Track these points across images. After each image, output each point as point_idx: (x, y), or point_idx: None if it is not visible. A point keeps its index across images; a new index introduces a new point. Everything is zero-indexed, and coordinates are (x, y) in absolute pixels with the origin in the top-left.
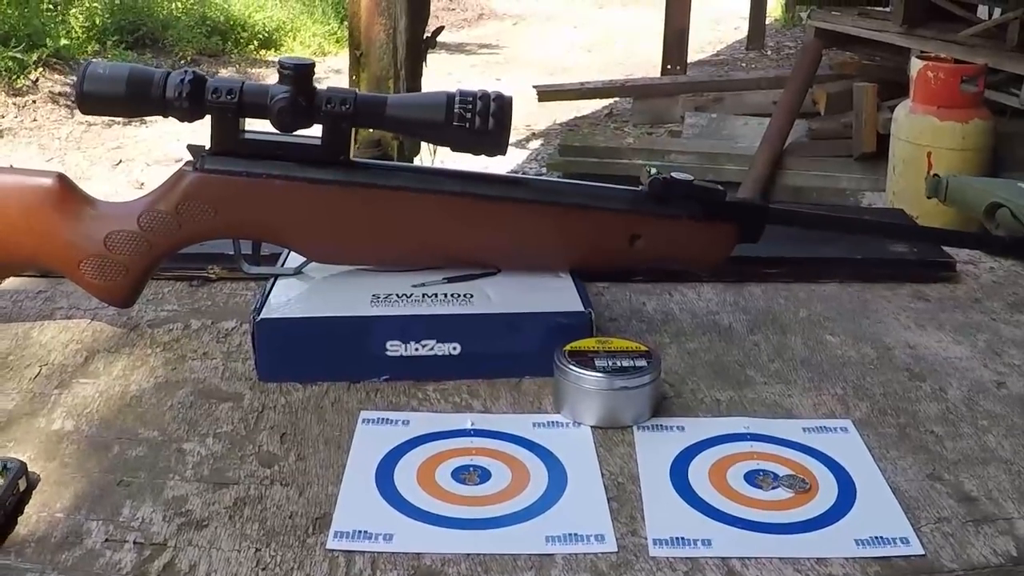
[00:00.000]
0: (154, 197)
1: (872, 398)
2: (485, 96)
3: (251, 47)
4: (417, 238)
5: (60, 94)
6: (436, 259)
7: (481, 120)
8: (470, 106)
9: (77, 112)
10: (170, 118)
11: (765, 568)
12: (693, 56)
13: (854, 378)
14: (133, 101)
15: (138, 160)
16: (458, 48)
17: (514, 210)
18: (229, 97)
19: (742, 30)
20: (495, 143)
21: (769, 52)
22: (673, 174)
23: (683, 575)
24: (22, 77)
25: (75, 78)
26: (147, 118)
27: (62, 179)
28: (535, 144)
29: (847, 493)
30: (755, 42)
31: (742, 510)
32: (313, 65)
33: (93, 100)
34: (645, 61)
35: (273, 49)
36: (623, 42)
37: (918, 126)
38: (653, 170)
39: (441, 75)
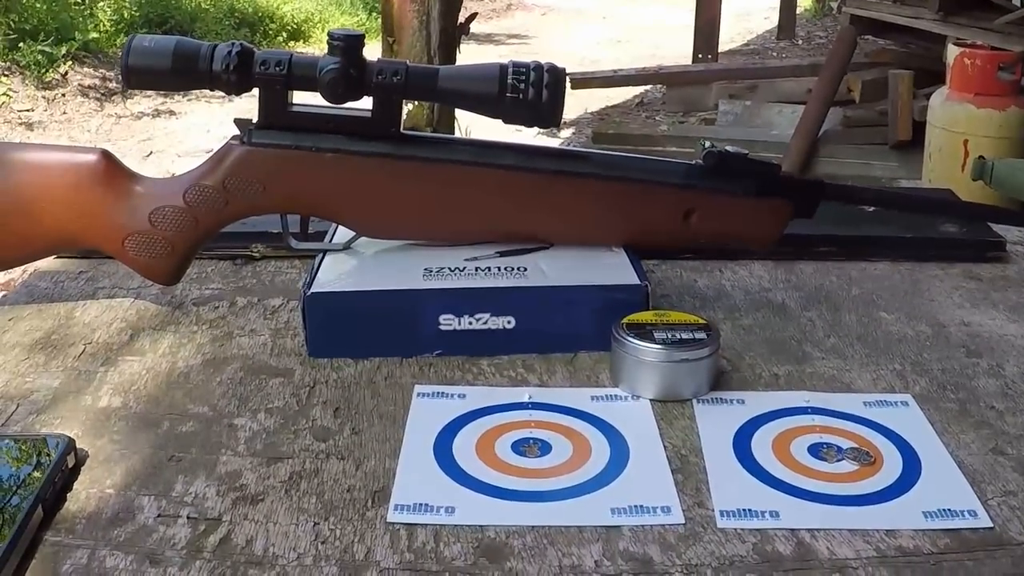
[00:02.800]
0: (200, 172)
1: (930, 374)
2: (539, 67)
3: (279, 39)
4: (469, 212)
5: (89, 87)
6: (487, 233)
7: (535, 92)
8: (523, 77)
9: (107, 105)
10: (201, 104)
11: (835, 540)
12: (723, 47)
13: (911, 354)
14: (179, 74)
15: (168, 152)
16: (487, 39)
17: (568, 184)
18: (278, 69)
19: (772, 20)
20: (549, 115)
21: (800, 42)
22: (727, 148)
23: (752, 547)
24: (51, 71)
25: (104, 71)
26: (176, 110)
27: (106, 155)
28: (566, 133)
29: (912, 466)
30: (786, 32)
31: (808, 482)
32: (363, 36)
33: (139, 73)
34: (675, 53)
35: (301, 40)
36: (652, 35)
37: (954, 114)
38: (708, 144)
39: None
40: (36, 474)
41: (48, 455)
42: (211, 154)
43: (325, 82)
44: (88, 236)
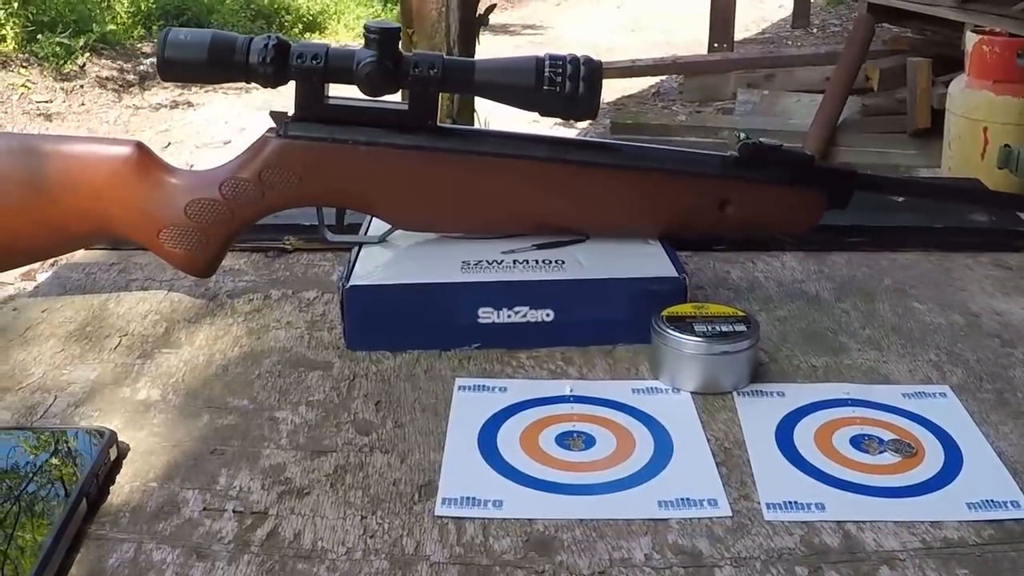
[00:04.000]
0: (236, 165)
1: (966, 364)
2: (575, 60)
3: (295, 30)
4: (505, 205)
5: (107, 78)
6: (524, 226)
7: (571, 84)
8: (560, 70)
9: (124, 96)
10: (219, 96)
11: (880, 532)
12: (738, 35)
13: (946, 345)
14: (215, 67)
15: (187, 143)
16: (502, 29)
17: (604, 176)
18: (314, 62)
19: (786, 8)
20: (586, 108)
21: (815, 31)
22: (762, 139)
23: (800, 539)
24: (69, 62)
25: (122, 63)
26: (195, 102)
27: (141, 147)
28: (583, 124)
29: (953, 457)
30: (800, 20)
31: (851, 474)
32: (400, 29)
33: (174, 66)
34: (690, 41)
35: (317, 32)
36: (666, 23)
37: (973, 101)
38: (743, 135)
39: (486, 55)
40: (78, 467)
41: (90, 448)
42: (247, 147)
43: (362, 75)
44: (123, 228)
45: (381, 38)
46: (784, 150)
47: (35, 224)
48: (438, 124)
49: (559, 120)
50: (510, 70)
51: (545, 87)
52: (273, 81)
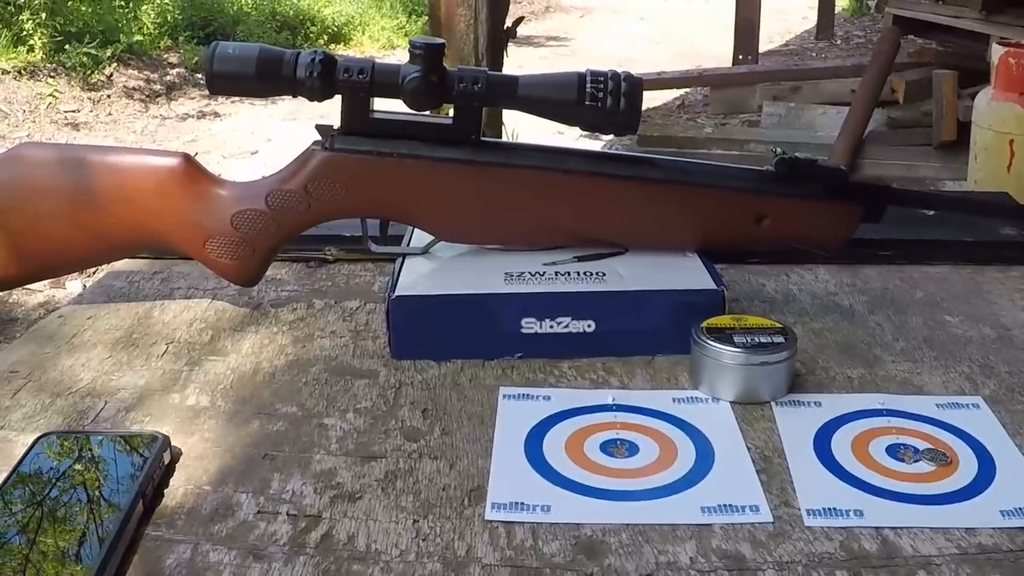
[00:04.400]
0: (282, 176)
1: (998, 376)
2: (616, 76)
3: (320, 42)
4: (548, 217)
5: (134, 88)
6: (566, 238)
7: (612, 100)
8: (601, 86)
9: (151, 106)
10: (244, 106)
11: (917, 537)
12: (762, 47)
13: (978, 357)
14: (263, 80)
15: (214, 153)
16: (526, 41)
17: (645, 190)
18: (361, 76)
19: (810, 20)
20: (627, 123)
21: (839, 42)
22: (797, 154)
23: (839, 544)
24: (97, 72)
25: (148, 73)
26: (221, 112)
27: (188, 159)
28: (608, 135)
29: (987, 466)
30: (825, 32)
31: (888, 482)
32: (444, 45)
33: (223, 79)
34: (714, 53)
35: (342, 43)
36: (690, 33)
37: (1000, 114)
38: (779, 151)
39: (511, 67)
40: (134, 470)
41: (145, 451)
42: (292, 159)
43: (408, 90)
44: (170, 237)
45: (426, 54)
46: (819, 165)
47: (85, 232)
48: (481, 138)
49: (584, 133)
50: (553, 85)
51: (587, 102)
52: (320, 95)
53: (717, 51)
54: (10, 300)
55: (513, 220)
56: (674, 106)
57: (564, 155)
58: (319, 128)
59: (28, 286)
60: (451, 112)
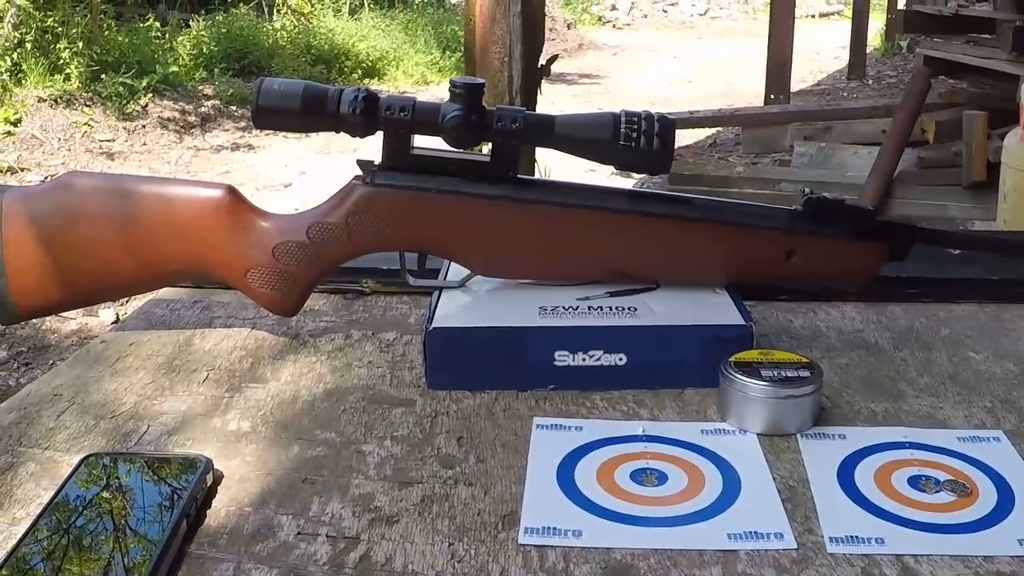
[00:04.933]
0: (324, 209)
1: (1020, 411)
2: (649, 117)
3: (355, 76)
4: (582, 254)
5: (169, 119)
6: (599, 274)
7: (646, 140)
8: (635, 126)
9: (186, 137)
10: (278, 139)
11: (937, 565)
12: (794, 86)
13: (1001, 392)
14: (307, 116)
15: (247, 185)
16: (559, 78)
17: (678, 227)
18: (403, 114)
19: (842, 59)
20: (660, 163)
21: (870, 82)
22: (824, 195)
23: (861, 570)
24: (132, 102)
25: (183, 104)
26: (255, 144)
27: (232, 191)
28: (640, 174)
29: (1006, 497)
30: (856, 72)
31: (909, 511)
32: (483, 85)
33: (268, 114)
34: (746, 92)
35: (376, 78)
36: (723, 73)
37: None
38: (807, 190)
39: (544, 105)
40: (179, 489)
41: (188, 472)
42: (333, 193)
43: (449, 128)
44: (212, 267)
45: (466, 92)
46: (847, 205)
47: (130, 260)
48: (519, 175)
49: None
50: (589, 125)
51: (621, 142)
52: (362, 131)
53: (751, 90)
54: (43, 327)
55: (549, 256)
56: (706, 145)
57: (601, 193)
58: (360, 163)
59: (62, 314)
60: (487, 149)
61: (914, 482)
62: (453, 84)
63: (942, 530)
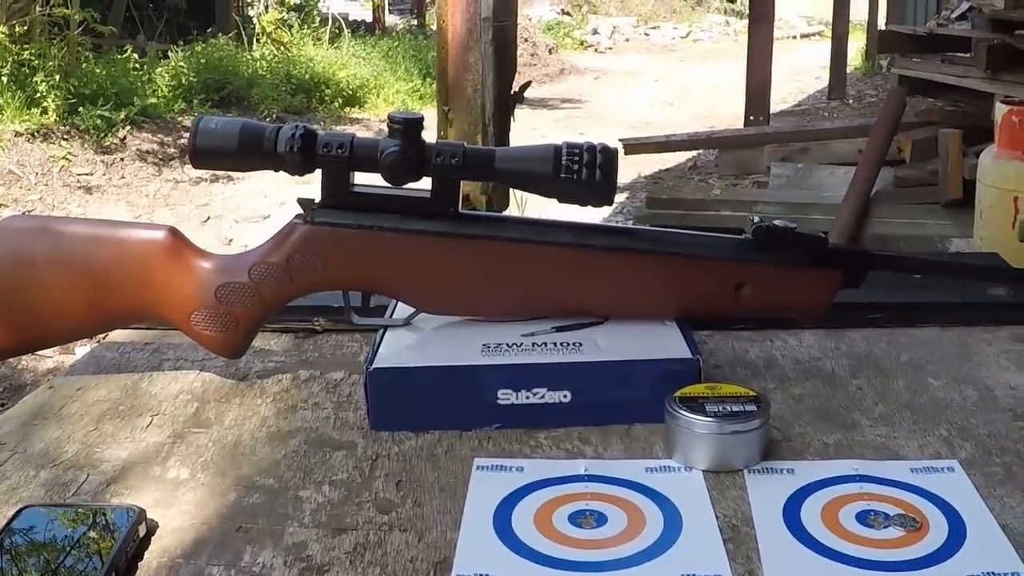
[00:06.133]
0: (265, 250)
1: (977, 438)
2: (592, 148)
3: (335, 104)
4: (527, 289)
5: (148, 152)
6: (545, 310)
7: (588, 172)
8: (577, 158)
9: (165, 169)
10: (280, 172)
11: None
12: (775, 107)
13: (958, 419)
14: (245, 155)
15: (226, 217)
16: (541, 103)
17: (624, 260)
18: (340, 151)
19: (823, 80)
20: (603, 195)
21: (851, 101)
22: (775, 222)
23: None
24: (110, 135)
25: (162, 136)
26: (235, 176)
27: (174, 232)
28: (620, 197)
29: (957, 531)
30: (836, 91)
31: (856, 549)
32: (422, 119)
33: (206, 154)
34: (728, 113)
35: (357, 106)
36: (705, 95)
37: (1003, 171)
38: (756, 218)
39: (525, 130)
40: (108, 543)
41: (120, 525)
42: (275, 232)
43: (386, 164)
44: (156, 310)
45: (405, 128)
46: (797, 232)
47: (77, 304)
48: (460, 211)
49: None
50: (529, 158)
51: (562, 175)
52: (300, 169)
53: (732, 112)
54: (19, 366)
55: (494, 293)
56: (686, 167)
57: (545, 227)
58: (300, 201)
59: (38, 352)
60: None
61: (862, 517)
62: (392, 119)
63: (888, 568)
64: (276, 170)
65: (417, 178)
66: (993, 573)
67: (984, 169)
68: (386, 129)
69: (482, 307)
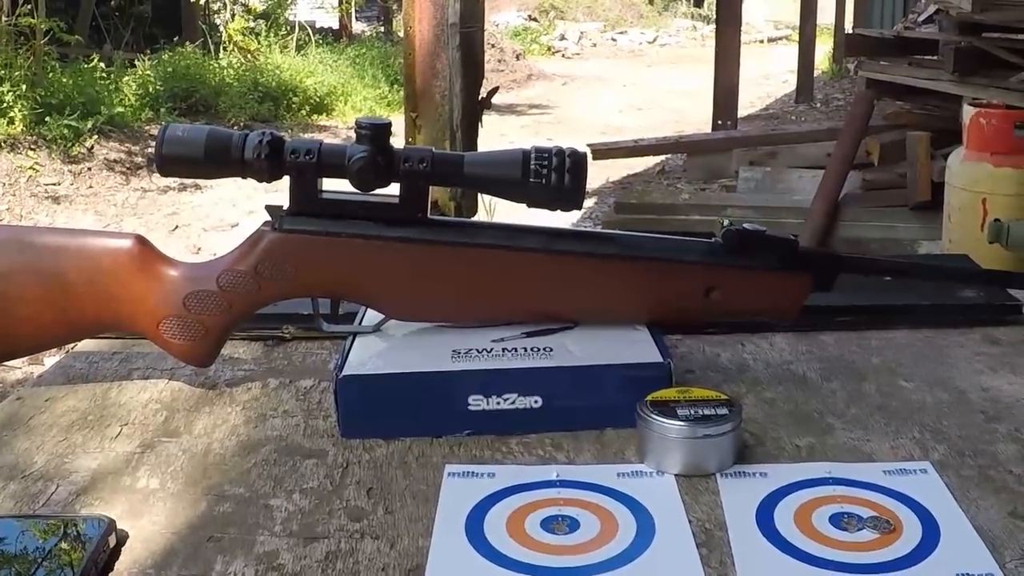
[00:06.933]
0: (233, 257)
1: (949, 440)
2: (560, 152)
3: (303, 112)
4: (497, 295)
5: (115, 161)
6: (515, 315)
7: (557, 176)
8: (546, 162)
9: (132, 178)
10: (248, 179)
11: None
12: (743, 111)
13: (930, 422)
14: (212, 163)
15: (194, 226)
16: (509, 109)
17: (591, 265)
18: (308, 157)
19: (791, 84)
20: (571, 199)
21: (818, 105)
22: (745, 225)
23: None
24: (77, 144)
25: (130, 145)
26: (202, 184)
27: (141, 241)
28: (589, 203)
29: (931, 532)
30: (804, 95)
31: (829, 552)
32: (390, 125)
33: (172, 162)
34: (696, 118)
35: (325, 114)
36: (673, 100)
37: (972, 173)
38: (726, 222)
39: (493, 136)
40: (78, 554)
41: (90, 536)
42: (243, 239)
43: (354, 170)
44: (124, 319)
45: (372, 134)
46: (767, 235)
47: (45, 314)
48: (429, 216)
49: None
50: (498, 163)
51: (531, 179)
52: (268, 176)
53: (701, 116)
54: None
55: (463, 299)
56: (654, 172)
57: (515, 232)
58: (268, 208)
59: (6, 363)
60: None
61: (835, 520)
62: (359, 125)
63: (862, 571)
64: (244, 177)
65: (385, 184)
66: (967, 574)
67: (952, 171)
68: (354, 135)
69: (453, 313)
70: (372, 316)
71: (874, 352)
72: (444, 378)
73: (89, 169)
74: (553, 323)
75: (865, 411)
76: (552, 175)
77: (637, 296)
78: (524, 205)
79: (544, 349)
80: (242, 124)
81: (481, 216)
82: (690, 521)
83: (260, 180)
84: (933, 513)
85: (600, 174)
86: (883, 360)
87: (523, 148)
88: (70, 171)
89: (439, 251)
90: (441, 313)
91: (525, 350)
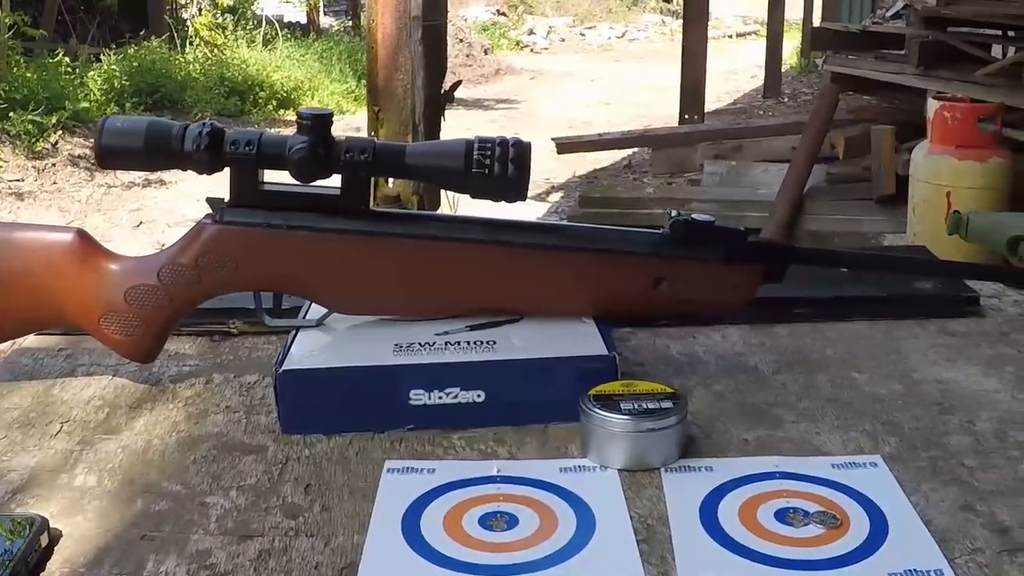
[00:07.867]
0: (174, 251)
1: (901, 433)
2: (504, 142)
3: (269, 107)
4: (441, 287)
5: (80, 157)
6: (460, 308)
7: (500, 166)
8: (489, 152)
9: (97, 174)
10: (190, 174)
11: None
12: (711, 106)
13: (883, 414)
14: (152, 154)
15: (159, 221)
16: (476, 104)
17: (539, 257)
18: (247, 149)
19: (758, 79)
20: (515, 189)
21: (786, 99)
22: (694, 216)
23: None
24: (41, 140)
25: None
26: (167, 180)
27: (82, 234)
28: (555, 197)
29: (879, 527)
30: (772, 90)
31: (773, 548)
32: (331, 115)
33: (112, 154)
34: (664, 113)
35: (292, 108)
36: (641, 95)
37: (936, 166)
38: (674, 212)
39: (460, 130)
40: (8, 554)
41: (21, 534)
42: (185, 232)
43: (294, 161)
44: (66, 314)
45: (313, 124)
46: (717, 226)
47: None
48: (372, 208)
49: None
50: (440, 154)
51: (474, 169)
52: (208, 168)
53: (669, 111)
54: None
55: (405, 291)
56: (620, 166)
57: (459, 223)
58: (209, 201)
59: None
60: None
61: (781, 515)
62: (300, 115)
63: (807, 567)
64: (184, 169)
65: (327, 175)
66: (915, 570)
67: (917, 165)
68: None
69: (395, 306)
70: (316, 310)
71: (828, 344)
72: (385, 372)
73: (53, 165)
74: (498, 316)
75: (817, 404)
76: (495, 165)
77: (583, 288)
78: (483, 198)
79: (488, 342)
80: (208, 119)
81: (444, 210)
82: (632, 516)
83: (200, 172)
84: (882, 508)
85: (567, 168)
86: (837, 352)
87: (467, 138)
88: (34, 167)
89: (380, 243)
90: (385, 306)
91: (468, 343)
